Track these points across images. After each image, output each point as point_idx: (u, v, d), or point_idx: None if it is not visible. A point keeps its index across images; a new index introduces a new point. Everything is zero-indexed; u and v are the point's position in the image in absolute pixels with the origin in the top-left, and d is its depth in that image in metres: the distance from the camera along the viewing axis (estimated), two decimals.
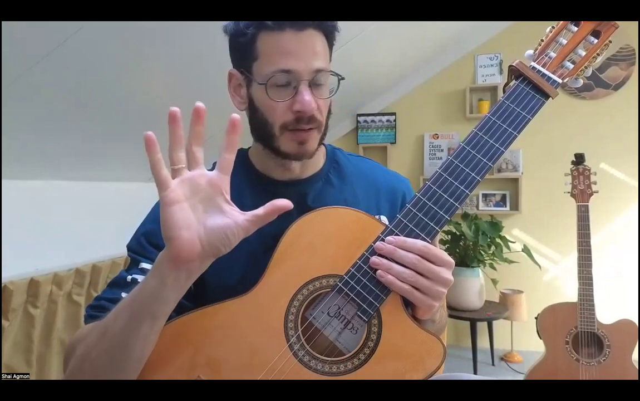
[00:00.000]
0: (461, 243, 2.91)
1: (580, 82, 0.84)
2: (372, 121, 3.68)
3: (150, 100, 1.83)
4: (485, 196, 3.45)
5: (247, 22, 0.78)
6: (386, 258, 0.72)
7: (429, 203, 0.75)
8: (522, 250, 2.89)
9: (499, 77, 3.43)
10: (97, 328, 0.70)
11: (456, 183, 0.75)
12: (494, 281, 3.00)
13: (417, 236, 0.73)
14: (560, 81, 0.80)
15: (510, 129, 0.77)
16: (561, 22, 0.84)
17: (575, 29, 0.83)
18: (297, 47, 0.76)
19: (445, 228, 2.99)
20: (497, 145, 0.77)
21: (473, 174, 0.75)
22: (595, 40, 0.82)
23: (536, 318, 2.36)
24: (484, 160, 0.76)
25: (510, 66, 0.82)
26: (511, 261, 2.90)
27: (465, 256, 2.86)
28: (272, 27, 0.76)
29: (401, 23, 2.39)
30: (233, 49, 0.83)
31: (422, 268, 0.70)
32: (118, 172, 2.27)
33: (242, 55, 0.81)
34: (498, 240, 2.86)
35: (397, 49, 2.95)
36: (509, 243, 2.90)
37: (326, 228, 0.78)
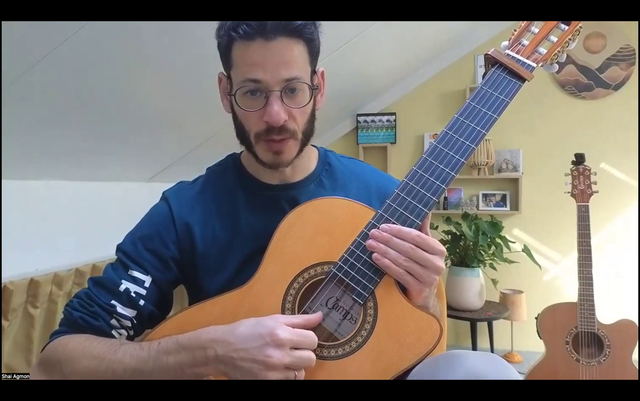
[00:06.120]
0: (461, 243, 2.90)
1: (556, 67, 0.88)
2: (372, 121, 3.67)
3: (150, 100, 1.83)
4: (485, 196, 3.45)
5: (223, 31, 0.79)
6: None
7: (417, 187, 0.76)
8: (522, 250, 2.89)
9: None
10: (93, 359, 0.73)
11: (441, 166, 0.77)
12: (494, 281, 3.00)
13: (406, 219, 0.75)
14: (534, 64, 0.83)
15: (490, 113, 0.80)
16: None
17: None
18: (265, 57, 0.76)
19: (445, 227, 3.01)
20: (478, 128, 0.79)
21: (457, 157, 0.77)
22: (566, 27, 0.85)
23: (536, 318, 2.36)
24: (467, 142, 0.78)
25: (486, 54, 0.85)
26: (511, 261, 2.90)
27: (465, 256, 2.85)
28: (242, 36, 0.76)
29: (401, 23, 2.39)
30: (219, 53, 0.84)
31: (416, 256, 0.72)
32: (118, 172, 2.27)
33: (223, 61, 0.83)
34: (498, 240, 2.86)
35: (397, 49, 2.95)
36: (509, 243, 2.90)
37: (318, 218, 0.79)
